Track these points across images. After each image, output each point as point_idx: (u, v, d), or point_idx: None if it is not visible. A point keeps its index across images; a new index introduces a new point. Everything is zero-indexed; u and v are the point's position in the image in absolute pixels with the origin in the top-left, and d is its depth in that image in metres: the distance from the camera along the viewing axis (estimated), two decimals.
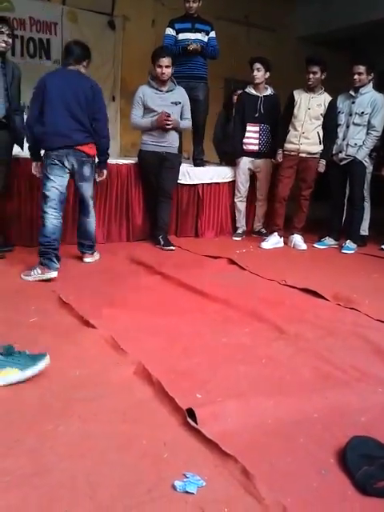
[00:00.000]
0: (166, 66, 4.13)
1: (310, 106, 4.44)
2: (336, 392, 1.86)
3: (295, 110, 4.48)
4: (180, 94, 4.33)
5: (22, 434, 1.49)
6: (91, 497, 1.25)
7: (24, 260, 3.56)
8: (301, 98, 4.47)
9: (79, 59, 3.50)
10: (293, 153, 4.54)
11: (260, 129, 4.74)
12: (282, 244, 4.68)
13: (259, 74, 4.59)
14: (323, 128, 4.50)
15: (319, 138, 4.49)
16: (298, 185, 4.68)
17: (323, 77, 4.41)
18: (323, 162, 4.55)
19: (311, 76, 4.37)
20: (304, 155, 4.52)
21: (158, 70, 4.14)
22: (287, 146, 4.55)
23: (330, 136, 4.51)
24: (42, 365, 1.84)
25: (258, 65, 4.58)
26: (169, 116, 4.16)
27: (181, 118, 4.35)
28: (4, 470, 1.32)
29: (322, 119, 4.49)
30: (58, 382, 1.84)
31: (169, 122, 4.16)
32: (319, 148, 4.51)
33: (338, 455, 1.47)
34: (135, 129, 4.45)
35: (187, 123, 4.42)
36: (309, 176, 4.59)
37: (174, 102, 4.28)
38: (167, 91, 4.25)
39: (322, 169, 4.56)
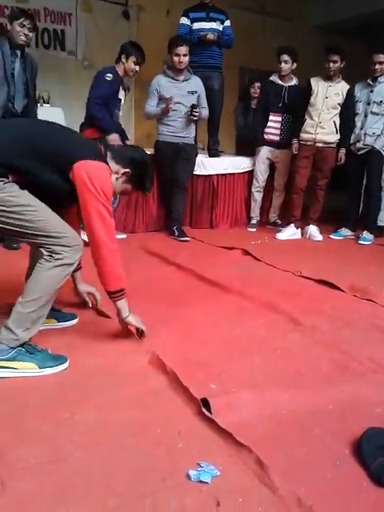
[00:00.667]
0: (184, 55, 4.10)
1: (327, 95, 4.37)
2: (352, 384, 1.84)
3: (312, 99, 4.42)
4: (196, 83, 4.31)
5: (38, 423, 1.51)
6: (106, 484, 1.26)
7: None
8: (318, 86, 4.40)
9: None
10: (309, 143, 4.48)
11: (282, 119, 4.70)
12: (298, 235, 4.64)
13: (286, 66, 4.52)
14: (341, 117, 4.44)
15: (336, 128, 4.43)
16: (314, 175, 4.63)
17: (342, 66, 4.34)
18: (343, 151, 4.49)
19: (331, 65, 4.29)
20: (320, 145, 4.46)
21: (176, 58, 4.11)
22: (303, 135, 4.49)
23: (348, 125, 4.45)
24: (61, 367, 1.86)
25: (285, 57, 4.50)
26: (195, 107, 4.18)
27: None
28: (20, 457, 1.34)
29: (340, 108, 4.42)
30: (75, 371, 1.85)
31: (196, 114, 4.18)
32: (336, 137, 4.45)
33: (353, 446, 1.46)
34: (148, 118, 4.44)
35: (204, 112, 4.40)
36: (325, 166, 4.54)
37: (190, 92, 4.26)
38: (183, 80, 4.24)
39: (342, 159, 4.50)
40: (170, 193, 4.42)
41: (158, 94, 4.24)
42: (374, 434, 1.47)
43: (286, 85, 4.62)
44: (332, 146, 4.48)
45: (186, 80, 4.25)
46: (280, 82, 4.63)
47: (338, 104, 4.40)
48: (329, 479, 1.33)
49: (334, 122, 4.42)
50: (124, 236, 4.24)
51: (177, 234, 4.29)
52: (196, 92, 4.29)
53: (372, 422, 1.56)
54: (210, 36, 4.50)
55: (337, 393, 1.76)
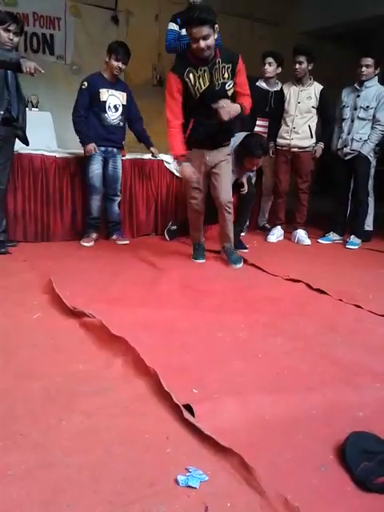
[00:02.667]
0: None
1: (299, 100, 4.45)
2: (334, 388, 1.85)
3: (286, 105, 4.51)
4: None
5: (26, 428, 1.51)
6: (95, 491, 1.26)
7: (28, 255, 3.59)
8: (290, 92, 4.50)
9: None
10: (285, 148, 4.56)
11: (269, 124, 4.74)
12: (282, 236, 4.72)
13: (271, 68, 4.59)
14: (321, 117, 4.51)
15: (311, 132, 4.50)
16: (294, 180, 4.68)
17: (310, 67, 4.41)
18: (321, 145, 4.55)
19: (297, 66, 4.37)
20: (296, 150, 4.53)
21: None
22: (279, 141, 4.58)
23: (327, 123, 4.55)
24: None
25: (270, 59, 4.57)
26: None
27: None
28: (8, 463, 1.34)
29: (314, 111, 4.49)
30: (61, 376, 1.85)
31: None
32: (310, 142, 4.53)
33: (337, 451, 1.47)
34: None
35: None
36: (303, 170, 4.60)
37: None
38: None
39: (318, 153, 4.55)
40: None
41: None
42: (358, 439, 1.49)
43: (272, 90, 4.67)
44: (307, 150, 4.53)
45: None
46: (266, 87, 4.68)
47: (313, 107, 4.46)
48: (313, 485, 1.33)
49: (309, 126, 4.48)
50: (127, 242, 4.27)
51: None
52: None
53: (355, 426, 1.57)
54: None
55: (319, 397, 1.77)
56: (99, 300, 2.65)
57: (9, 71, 3.48)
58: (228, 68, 3.29)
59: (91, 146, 3.98)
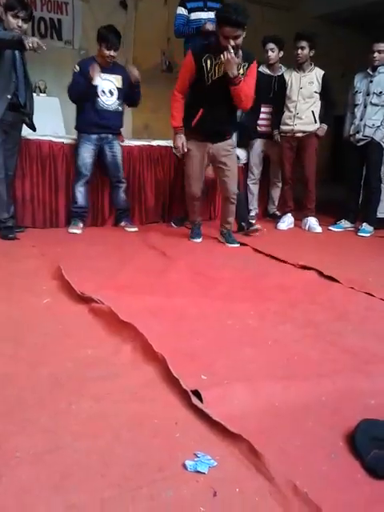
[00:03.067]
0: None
1: (301, 86, 4.41)
2: (345, 375, 1.84)
3: (288, 91, 4.47)
4: None
5: (35, 413, 1.51)
6: (103, 475, 1.26)
7: (36, 241, 3.59)
8: (291, 78, 4.45)
9: None
10: (289, 134, 4.51)
11: (274, 109, 4.69)
12: (292, 224, 4.68)
13: (273, 54, 4.55)
14: (324, 102, 4.46)
15: (314, 117, 4.45)
16: (300, 165, 4.64)
17: (312, 53, 4.37)
18: (324, 126, 4.50)
19: (299, 52, 4.33)
20: (300, 135, 4.48)
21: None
22: (283, 127, 4.55)
23: (330, 108, 4.51)
24: None
25: (271, 45, 4.53)
26: None
27: None
28: (17, 447, 1.34)
29: (317, 96, 4.45)
30: (71, 361, 1.85)
31: None
32: (315, 126, 4.47)
33: (347, 439, 1.46)
34: None
35: None
36: (308, 153, 4.55)
37: None
38: None
39: (322, 132, 4.51)
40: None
41: None
42: (368, 426, 1.47)
43: (275, 75, 4.61)
44: (311, 132, 4.50)
45: None
46: (269, 72, 4.63)
47: (315, 92, 4.41)
48: (323, 472, 1.32)
49: (313, 111, 4.44)
50: (135, 229, 4.25)
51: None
52: None
53: (366, 414, 1.55)
54: (209, 26, 4.46)
55: (330, 384, 1.75)
56: (108, 286, 2.64)
57: (17, 56, 3.46)
58: (244, 66, 3.43)
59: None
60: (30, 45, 3.12)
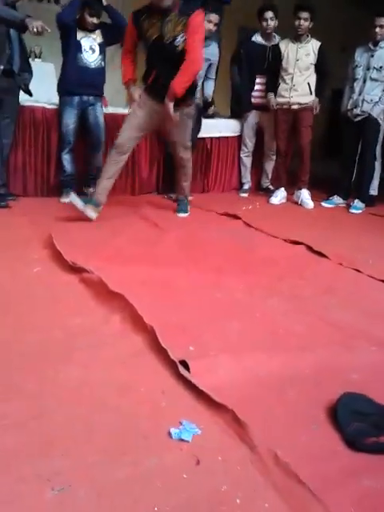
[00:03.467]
0: (209, 21, 3.98)
1: (298, 57, 4.32)
2: (329, 349, 1.87)
3: (284, 63, 4.37)
4: (213, 50, 4.25)
5: (22, 379, 1.53)
6: (88, 441, 1.28)
7: (28, 210, 3.56)
8: (288, 49, 4.35)
9: None
10: (285, 106, 4.46)
11: (269, 78, 4.60)
12: (285, 199, 4.66)
13: (272, 23, 4.43)
14: (317, 72, 4.40)
15: (310, 89, 4.39)
16: (295, 137, 4.60)
17: (311, 25, 4.26)
18: (316, 100, 4.45)
19: (302, 22, 4.21)
20: (296, 107, 4.43)
21: (208, 25, 3.93)
22: (279, 99, 4.45)
23: (324, 81, 4.44)
24: None
25: (270, 13, 4.40)
26: (211, 105, 4.30)
27: (206, 76, 4.32)
28: (4, 413, 1.36)
29: (313, 68, 4.37)
30: (59, 329, 1.86)
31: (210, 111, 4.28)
32: (310, 98, 4.41)
33: (328, 411, 1.49)
34: None
35: (211, 85, 4.42)
36: (303, 125, 4.50)
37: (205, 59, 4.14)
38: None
39: (317, 109, 4.47)
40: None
41: None
42: (350, 400, 1.50)
43: (270, 45, 4.51)
44: (308, 105, 4.44)
45: (206, 46, 4.09)
46: (263, 42, 4.53)
47: (311, 64, 4.34)
48: (304, 442, 1.36)
49: (308, 83, 4.37)
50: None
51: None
52: (209, 60, 4.21)
53: (348, 388, 1.58)
54: None
55: (314, 357, 1.79)
56: (99, 257, 2.64)
57: None
58: (182, 22, 3.21)
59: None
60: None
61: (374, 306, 2.35)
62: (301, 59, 4.32)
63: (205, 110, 4.37)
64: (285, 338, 1.95)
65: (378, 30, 4.18)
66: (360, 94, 4.35)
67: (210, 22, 4.00)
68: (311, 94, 4.41)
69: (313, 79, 4.40)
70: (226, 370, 1.65)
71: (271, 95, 4.49)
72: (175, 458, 1.25)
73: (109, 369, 1.62)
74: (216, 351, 1.77)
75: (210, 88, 4.44)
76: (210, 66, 4.29)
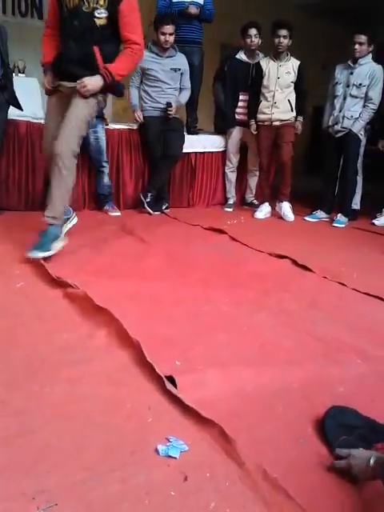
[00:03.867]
0: (170, 34, 4.09)
1: (279, 75, 4.40)
2: (316, 363, 1.88)
3: (265, 81, 4.45)
4: (180, 60, 4.31)
5: (8, 395, 1.50)
6: (75, 458, 1.26)
7: (11, 224, 3.54)
8: (269, 67, 4.43)
9: None
10: (267, 123, 4.53)
11: (248, 100, 4.67)
12: (269, 214, 4.70)
13: (256, 40, 4.50)
14: (296, 92, 4.49)
15: (290, 106, 4.49)
16: (277, 152, 4.66)
17: (290, 43, 4.35)
18: (301, 119, 4.56)
19: (282, 40, 4.29)
20: (277, 123, 4.50)
21: (162, 37, 4.09)
22: (260, 116, 4.54)
23: (302, 100, 4.54)
24: None
25: (254, 31, 4.48)
26: (170, 106, 4.20)
27: (180, 86, 4.37)
28: None
29: (292, 86, 4.47)
30: (44, 344, 1.84)
31: (170, 113, 4.22)
32: (291, 114, 4.52)
33: (316, 425, 1.49)
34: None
35: (186, 94, 4.44)
36: (285, 141, 4.57)
37: (173, 69, 4.25)
38: (167, 57, 4.21)
39: (299, 129, 4.58)
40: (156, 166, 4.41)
41: (140, 70, 4.22)
42: (337, 412, 1.51)
43: (253, 62, 4.59)
44: (288, 122, 4.52)
45: (170, 57, 4.22)
46: (247, 60, 4.60)
47: (292, 82, 4.44)
48: (292, 457, 1.35)
49: (289, 100, 4.47)
50: (118, 214, 4.24)
51: (148, 201, 4.27)
52: (179, 70, 4.28)
53: (335, 401, 1.59)
54: (192, 9, 4.42)
55: (301, 371, 1.79)
56: (84, 271, 2.63)
57: None
58: None
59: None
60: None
61: (359, 319, 2.37)
62: (281, 77, 4.40)
63: (165, 112, 4.31)
64: (272, 351, 1.95)
65: (357, 47, 4.27)
66: (340, 111, 4.43)
67: (163, 34, 4.08)
68: (292, 111, 4.49)
69: (293, 97, 4.50)
70: (213, 385, 1.64)
71: (252, 122, 4.59)
72: (163, 475, 1.23)
73: (95, 384, 1.61)
74: (203, 366, 1.76)
75: (184, 98, 4.48)
76: (181, 74, 4.35)
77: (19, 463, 1.23)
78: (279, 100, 4.44)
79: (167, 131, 4.32)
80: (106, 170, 4.25)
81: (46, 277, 2.51)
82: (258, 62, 4.52)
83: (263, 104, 4.50)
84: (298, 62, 4.44)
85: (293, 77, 4.42)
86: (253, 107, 4.58)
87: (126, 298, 2.33)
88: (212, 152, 4.90)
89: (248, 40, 4.51)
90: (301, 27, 4.56)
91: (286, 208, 4.64)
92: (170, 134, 4.32)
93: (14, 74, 4.75)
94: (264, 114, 4.51)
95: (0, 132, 3.67)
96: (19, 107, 3.70)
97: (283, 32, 4.28)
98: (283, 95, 4.44)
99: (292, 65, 4.42)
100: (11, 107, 3.72)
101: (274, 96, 4.44)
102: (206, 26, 4.73)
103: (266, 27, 4.53)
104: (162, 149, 4.34)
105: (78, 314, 2.15)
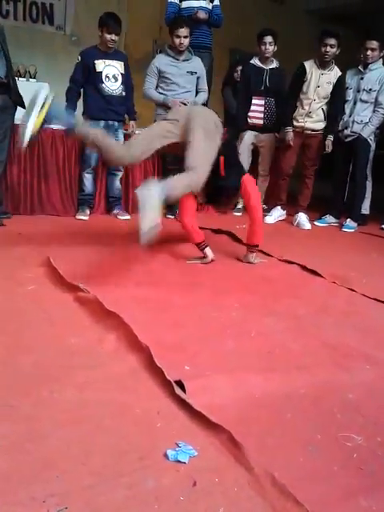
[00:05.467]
0: (185, 37, 4.11)
1: (319, 84, 4.34)
2: (325, 368, 1.87)
3: (304, 87, 4.38)
4: (196, 64, 4.32)
5: (17, 400, 1.51)
6: (84, 463, 1.27)
7: (23, 228, 3.56)
8: (312, 73, 4.35)
9: None
10: (297, 130, 4.49)
11: (265, 102, 4.66)
12: (284, 216, 4.68)
13: (271, 47, 4.49)
14: (331, 103, 4.42)
15: (324, 115, 4.43)
16: (302, 162, 4.64)
17: (338, 52, 4.28)
18: (331, 138, 4.48)
19: (329, 49, 4.21)
20: (308, 132, 4.47)
21: (176, 40, 4.11)
22: (293, 123, 4.49)
23: (336, 112, 4.45)
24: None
25: (269, 38, 4.46)
26: (186, 105, 4.17)
27: (196, 89, 4.37)
28: None
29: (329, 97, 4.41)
30: (54, 349, 1.85)
31: None
32: (323, 125, 4.46)
33: (325, 431, 1.48)
34: (146, 98, 4.39)
35: (203, 96, 4.42)
36: (313, 153, 4.55)
37: (189, 72, 4.27)
38: (183, 60, 4.23)
39: (329, 148, 4.49)
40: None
41: (157, 73, 4.23)
42: None
43: (267, 68, 4.59)
44: (319, 132, 4.48)
45: (187, 60, 4.24)
46: (260, 65, 4.60)
47: (329, 93, 4.39)
48: (301, 463, 1.35)
49: (323, 109, 4.42)
50: (128, 217, 4.27)
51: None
52: (196, 73, 4.30)
53: (344, 407, 1.58)
54: (201, 14, 4.44)
55: (310, 377, 1.79)
56: (95, 275, 2.64)
57: None
58: None
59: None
60: None
61: (367, 324, 2.36)
62: (322, 86, 4.34)
63: None
64: (280, 357, 1.95)
65: (369, 52, 4.27)
66: (350, 116, 4.43)
67: (178, 36, 4.10)
68: (325, 120, 4.43)
69: (326, 106, 4.42)
70: (221, 390, 1.64)
71: (289, 130, 4.47)
72: (172, 480, 1.24)
73: (104, 389, 1.61)
74: (212, 371, 1.76)
75: (201, 99, 4.44)
76: (198, 78, 4.35)
77: (29, 468, 1.23)
78: (314, 109, 4.40)
79: None
80: (121, 174, 4.32)
81: (57, 281, 2.53)
82: (302, 64, 4.40)
83: (298, 111, 4.45)
84: (339, 73, 4.37)
85: (332, 87, 4.36)
86: (290, 114, 4.47)
87: (135, 303, 2.34)
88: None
89: (262, 47, 4.51)
90: (310, 32, 4.56)
91: (302, 218, 4.60)
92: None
93: (24, 79, 4.83)
94: (297, 121, 4.46)
95: (7, 137, 3.70)
96: (22, 106, 3.73)
97: (331, 41, 4.20)
98: (319, 105, 4.40)
99: (334, 75, 4.36)
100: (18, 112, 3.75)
101: (310, 105, 4.39)
102: (215, 31, 4.76)
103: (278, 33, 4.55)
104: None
105: (88, 318, 2.16)
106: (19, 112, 3.74)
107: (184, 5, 4.53)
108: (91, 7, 6.04)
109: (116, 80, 4.06)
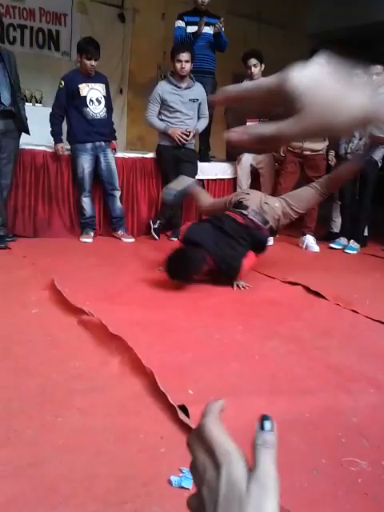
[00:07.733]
0: (186, 61, 4.16)
1: None
2: (329, 392, 1.87)
3: None
4: (198, 90, 4.38)
5: (21, 424, 1.51)
6: (88, 489, 1.27)
7: (27, 251, 3.59)
8: None
9: None
10: (297, 150, 4.53)
11: (259, 123, 4.68)
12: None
13: (256, 70, 4.49)
14: None
15: None
16: (306, 182, 4.65)
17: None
18: (333, 153, 4.53)
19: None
20: (308, 152, 4.50)
21: (178, 64, 4.16)
22: (291, 143, 4.53)
23: None
24: None
25: (253, 61, 4.48)
26: (188, 135, 4.26)
27: (198, 115, 4.43)
28: (2, 459, 1.34)
29: None
30: (58, 372, 1.86)
31: (185, 141, 4.28)
32: (323, 144, 4.49)
33: (329, 455, 1.48)
34: (149, 125, 4.45)
35: (204, 123, 4.49)
36: (316, 174, 4.56)
37: (192, 100, 4.33)
38: (186, 88, 4.29)
39: (333, 161, 4.53)
40: None
41: (160, 100, 4.30)
42: None
43: None
44: (320, 152, 4.52)
45: (189, 88, 4.30)
46: None
47: None
48: (305, 488, 1.34)
49: None
50: (132, 240, 4.30)
51: (155, 227, 4.35)
52: (198, 100, 4.36)
53: (348, 431, 1.58)
54: (202, 22, 4.49)
55: (314, 401, 1.78)
56: (98, 298, 2.66)
57: None
58: None
59: (59, 146, 4.01)
60: None
61: (371, 347, 2.36)
62: None
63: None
64: (284, 380, 1.95)
65: (374, 78, 4.32)
66: (361, 139, 4.45)
67: (179, 61, 4.15)
68: (325, 139, 4.45)
69: None
70: (225, 415, 1.61)
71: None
72: (176, 506, 1.23)
73: (108, 414, 1.61)
74: (215, 395, 1.76)
75: (202, 125, 4.51)
76: (199, 104, 4.41)
77: (33, 493, 1.23)
78: None
79: (182, 163, 4.36)
80: (118, 194, 4.31)
81: (61, 304, 2.54)
82: None
83: None
84: None
85: None
86: None
87: (138, 326, 2.35)
88: (223, 179, 4.95)
89: (248, 70, 4.50)
90: (313, 56, 4.62)
91: (310, 240, 4.58)
92: (184, 165, 4.36)
93: (31, 104, 4.91)
94: (294, 141, 4.49)
95: (11, 161, 3.76)
96: (26, 132, 3.79)
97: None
98: None
99: None
100: (24, 135, 3.82)
101: None
102: (219, 56, 4.83)
103: (276, 55, 4.61)
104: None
105: (92, 341, 2.17)
106: (23, 137, 3.82)
107: (189, 30, 4.61)
108: (96, 33, 6.16)
109: (99, 103, 4.12)
